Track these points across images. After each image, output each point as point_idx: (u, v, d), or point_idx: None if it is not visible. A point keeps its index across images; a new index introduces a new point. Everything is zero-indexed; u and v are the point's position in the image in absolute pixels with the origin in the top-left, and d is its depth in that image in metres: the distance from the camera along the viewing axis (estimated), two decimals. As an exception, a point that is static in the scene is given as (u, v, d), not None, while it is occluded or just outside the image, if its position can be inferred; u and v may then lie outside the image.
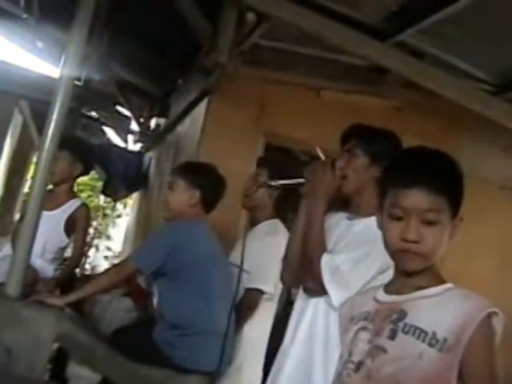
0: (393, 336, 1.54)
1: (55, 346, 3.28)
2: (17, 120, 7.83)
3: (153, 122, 7.71)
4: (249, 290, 3.27)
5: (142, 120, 7.80)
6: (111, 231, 11.04)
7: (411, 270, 1.58)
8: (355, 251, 2.22)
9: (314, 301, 2.31)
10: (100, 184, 8.48)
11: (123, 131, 8.38)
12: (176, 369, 2.93)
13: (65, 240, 4.03)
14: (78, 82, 5.57)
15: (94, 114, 8.06)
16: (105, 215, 10.83)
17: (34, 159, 6.12)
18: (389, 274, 1.72)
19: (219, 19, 3.76)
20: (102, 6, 4.07)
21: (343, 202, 2.42)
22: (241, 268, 3.15)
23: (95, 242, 10.47)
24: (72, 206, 4.04)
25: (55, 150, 2.86)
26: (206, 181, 3.23)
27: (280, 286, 3.43)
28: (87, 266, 9.88)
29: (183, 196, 3.20)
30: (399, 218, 1.56)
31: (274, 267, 3.29)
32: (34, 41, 6.76)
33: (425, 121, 4.78)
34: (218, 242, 3.25)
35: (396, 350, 1.52)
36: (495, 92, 4.13)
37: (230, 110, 4.57)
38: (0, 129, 7.52)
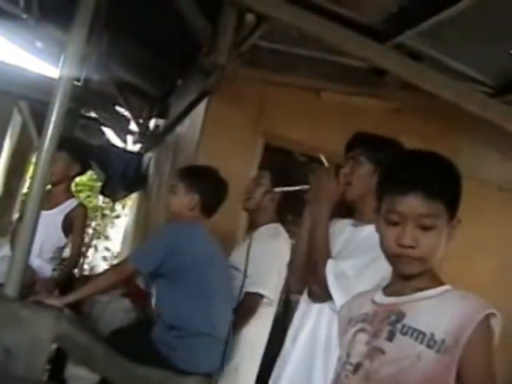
0: (391, 337, 1.54)
1: (54, 346, 3.28)
2: (16, 120, 7.82)
3: (152, 123, 7.71)
4: (248, 294, 3.25)
5: (141, 120, 7.80)
6: (110, 232, 11.03)
7: (408, 274, 1.59)
8: (360, 257, 2.23)
9: (317, 306, 2.31)
10: (99, 184, 8.48)
11: (122, 132, 8.38)
12: (173, 370, 2.93)
13: (63, 239, 4.05)
14: (77, 83, 5.58)
15: (93, 114, 8.06)
16: (103, 216, 10.82)
17: (33, 159, 6.11)
18: None
19: (219, 20, 3.77)
20: (101, 7, 4.08)
21: (347, 210, 2.43)
22: (245, 270, 3.16)
23: (94, 242, 10.45)
24: (69, 205, 4.07)
25: (54, 151, 2.86)
26: (206, 185, 3.23)
27: (280, 290, 3.43)
28: (86, 267, 9.87)
29: (183, 199, 3.20)
30: (395, 224, 1.56)
31: (275, 272, 3.30)
32: (33, 41, 6.76)
33: (423, 122, 4.79)
34: (218, 244, 3.25)
35: (394, 352, 1.52)
36: (493, 94, 4.14)
37: (229, 111, 4.57)
38: (-1, 129, 7.52)
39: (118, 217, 10.99)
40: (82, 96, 6.10)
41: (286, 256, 3.35)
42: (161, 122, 7.19)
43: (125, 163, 7.35)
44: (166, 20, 4.40)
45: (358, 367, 1.58)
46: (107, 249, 10.10)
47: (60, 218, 4.00)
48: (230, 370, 3.18)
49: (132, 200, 9.36)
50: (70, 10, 2.94)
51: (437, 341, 1.47)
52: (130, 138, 8.44)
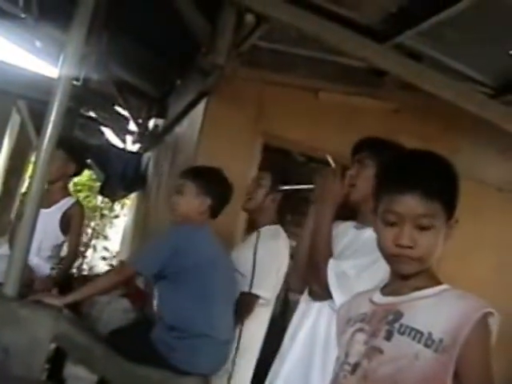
0: (389, 337, 1.54)
1: (52, 346, 3.27)
2: (15, 120, 7.83)
3: (151, 123, 7.71)
4: (245, 294, 3.25)
5: (140, 120, 7.80)
6: (109, 232, 11.02)
7: (406, 274, 1.59)
8: (362, 258, 2.24)
9: (317, 305, 2.32)
10: (98, 184, 8.47)
11: (121, 131, 8.38)
12: (173, 370, 2.93)
13: (61, 237, 4.06)
14: (76, 82, 5.58)
15: (92, 114, 8.06)
16: (102, 215, 10.82)
17: (32, 159, 6.11)
18: None
19: (218, 20, 3.76)
20: (100, 6, 4.07)
21: (350, 213, 2.44)
22: (253, 273, 3.16)
23: (93, 242, 10.45)
24: (66, 203, 4.09)
25: (53, 150, 2.86)
26: (217, 188, 3.20)
27: (277, 290, 3.43)
28: (85, 267, 9.87)
29: (193, 201, 3.16)
30: (393, 224, 1.57)
31: (273, 272, 3.30)
32: (32, 40, 6.76)
33: (422, 123, 4.79)
34: (222, 246, 3.25)
35: (392, 351, 1.52)
36: (493, 94, 4.14)
37: (228, 111, 4.57)
38: (-2, 128, 7.53)
39: (116, 217, 10.99)
40: (81, 96, 6.10)
41: (285, 257, 3.36)
42: (160, 121, 7.19)
43: (124, 163, 7.35)
44: (165, 20, 4.40)
45: (356, 367, 1.58)
46: (106, 249, 10.08)
47: (57, 216, 4.02)
48: (225, 371, 3.18)
49: (131, 200, 9.36)
50: (69, 10, 2.94)
51: (434, 340, 1.47)
52: (129, 138, 8.44)
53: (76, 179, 7.20)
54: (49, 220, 3.87)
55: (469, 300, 1.52)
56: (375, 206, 1.65)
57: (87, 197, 10.75)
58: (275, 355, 2.43)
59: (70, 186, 4.38)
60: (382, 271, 1.98)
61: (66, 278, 4.03)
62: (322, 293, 2.25)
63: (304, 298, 2.42)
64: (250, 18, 3.71)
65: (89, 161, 7.21)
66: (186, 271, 2.99)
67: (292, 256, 3.11)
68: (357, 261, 2.25)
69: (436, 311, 1.52)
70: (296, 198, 3.41)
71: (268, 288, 3.31)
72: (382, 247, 1.62)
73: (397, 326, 1.54)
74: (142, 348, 2.97)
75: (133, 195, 8.55)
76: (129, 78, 6.96)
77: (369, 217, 2.28)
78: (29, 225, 2.82)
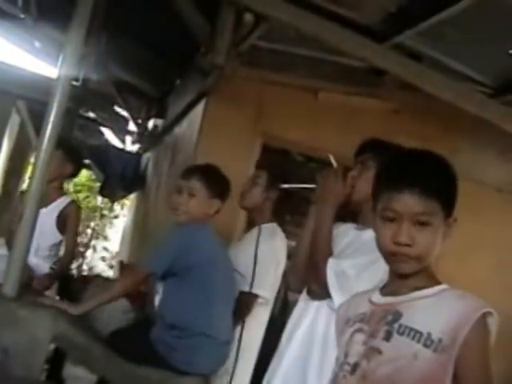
0: (388, 337, 1.54)
1: (52, 346, 3.27)
2: (14, 120, 7.82)
3: (150, 123, 7.71)
4: (244, 294, 3.24)
5: (139, 121, 7.80)
6: (108, 232, 11.03)
7: (404, 273, 1.59)
8: (362, 257, 2.24)
9: (315, 303, 2.32)
10: (97, 185, 8.48)
11: (121, 132, 8.39)
12: (173, 370, 2.93)
13: (58, 237, 4.09)
14: (75, 83, 5.58)
15: (91, 114, 8.07)
16: (102, 216, 10.83)
17: (32, 159, 6.11)
18: None
19: (217, 20, 3.76)
20: (99, 6, 4.07)
21: (351, 214, 2.45)
22: (254, 272, 3.15)
23: (92, 242, 10.46)
24: (63, 202, 4.12)
25: (52, 151, 2.86)
26: (226, 191, 3.22)
27: (276, 289, 3.43)
28: (84, 267, 9.87)
29: (203, 204, 3.15)
30: (392, 220, 1.57)
31: (271, 271, 3.30)
32: (31, 41, 6.76)
33: (422, 123, 4.79)
34: (223, 245, 3.25)
35: (391, 351, 1.52)
36: (492, 94, 4.14)
37: (227, 111, 4.57)
38: (-3, 129, 7.52)
39: (116, 217, 11.00)
40: (81, 96, 6.10)
41: (283, 255, 3.36)
42: (159, 122, 7.19)
43: (123, 163, 7.35)
44: (164, 20, 4.40)
45: (355, 367, 1.58)
46: (106, 249, 10.10)
47: (54, 216, 4.05)
48: (223, 371, 3.17)
49: (130, 200, 9.36)
50: (68, 10, 2.94)
51: (434, 340, 1.47)
52: (128, 138, 8.45)
53: (76, 179, 7.20)
54: (45, 219, 3.88)
55: (468, 300, 1.52)
56: (374, 205, 1.66)
57: (87, 197, 10.76)
58: (274, 355, 2.44)
59: (70, 186, 4.40)
60: (381, 271, 1.98)
61: (66, 278, 4.03)
62: (321, 292, 2.26)
63: (303, 297, 2.42)
64: (249, 18, 3.71)
65: (88, 161, 7.24)
66: (188, 270, 3.00)
67: (290, 255, 3.11)
68: (356, 260, 2.25)
69: (435, 311, 1.52)
70: (296, 198, 3.41)
71: (267, 287, 3.31)
72: (380, 246, 1.62)
73: (396, 326, 1.54)
74: (142, 348, 2.97)
75: (132, 195, 8.55)
76: (128, 78, 6.96)
77: (370, 218, 2.29)
78: (28, 225, 2.82)
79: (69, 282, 4.12)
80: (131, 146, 8.40)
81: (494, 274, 4.90)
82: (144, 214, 7.01)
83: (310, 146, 4.79)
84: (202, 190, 3.15)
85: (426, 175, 1.57)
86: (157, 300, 3.20)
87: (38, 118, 4.20)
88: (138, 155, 7.87)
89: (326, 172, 2.45)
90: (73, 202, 4.25)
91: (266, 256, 3.23)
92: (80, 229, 6.89)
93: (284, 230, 3.47)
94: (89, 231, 10.55)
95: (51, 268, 4.00)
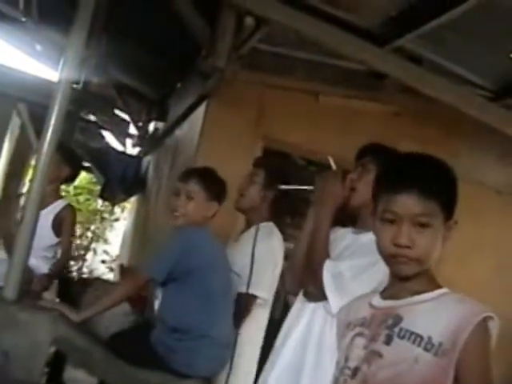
0: (388, 341, 1.54)
1: (52, 349, 3.27)
2: (15, 123, 7.82)
3: (151, 126, 7.71)
4: (242, 295, 3.22)
5: (140, 124, 7.80)
6: (109, 235, 11.02)
7: (404, 275, 1.59)
8: (359, 259, 2.25)
9: (312, 305, 2.33)
10: (98, 187, 8.48)
11: (121, 135, 8.38)
12: (173, 373, 2.93)
13: (54, 239, 4.11)
14: (76, 86, 5.58)
15: (92, 117, 8.06)
16: (103, 219, 10.81)
17: (32, 162, 6.11)
18: None
19: (218, 23, 3.76)
20: (100, 10, 4.08)
21: (349, 218, 2.45)
22: (250, 273, 3.14)
23: (93, 245, 10.45)
24: (59, 205, 4.15)
25: (53, 154, 2.86)
26: (223, 193, 3.22)
27: (274, 290, 3.41)
28: (85, 270, 9.87)
29: (201, 206, 3.15)
30: (391, 222, 1.58)
31: (268, 272, 3.28)
32: (32, 44, 6.76)
33: (422, 126, 4.79)
34: (222, 247, 3.24)
35: (392, 355, 1.52)
36: (493, 98, 4.14)
37: (228, 114, 4.57)
38: (-2, 131, 7.53)
39: (117, 220, 10.99)
40: (81, 99, 6.09)
41: (280, 255, 3.35)
42: (160, 125, 7.19)
43: (124, 166, 7.35)
44: (165, 23, 4.40)
45: (356, 371, 1.58)
46: (106, 252, 10.09)
47: (50, 218, 4.06)
48: (224, 375, 3.17)
49: (131, 203, 9.36)
50: (69, 13, 2.93)
51: (434, 344, 1.47)
52: (129, 141, 8.45)
53: (76, 182, 7.19)
54: (41, 222, 3.88)
55: (467, 304, 1.53)
56: (374, 208, 1.66)
57: (87, 200, 10.75)
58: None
59: (71, 189, 4.41)
60: (380, 273, 1.99)
61: (66, 281, 4.03)
62: (318, 293, 2.26)
63: (299, 299, 2.43)
64: (249, 21, 3.72)
65: (88, 164, 7.24)
66: (188, 273, 3.00)
67: (287, 257, 3.11)
68: (354, 262, 2.26)
69: (435, 315, 1.52)
70: (296, 200, 3.41)
71: (265, 288, 3.28)
72: (380, 248, 1.62)
73: (396, 330, 1.54)
74: (143, 351, 2.97)
75: (133, 198, 8.55)
76: (129, 81, 6.96)
77: (368, 222, 2.30)
78: (28, 228, 2.82)
79: (69, 285, 4.13)
80: (132, 149, 8.40)
81: (494, 275, 4.91)
82: (144, 217, 7.01)
83: (310, 148, 4.79)
84: (200, 192, 3.15)
85: (424, 176, 1.58)
86: (156, 305, 3.19)
87: (38, 121, 4.21)
88: (138, 158, 7.87)
89: (325, 174, 2.46)
90: (69, 205, 4.29)
91: (263, 256, 3.21)
92: (76, 231, 6.90)
93: (284, 233, 3.46)
94: (89, 234, 10.54)
95: (50, 269, 4.01)
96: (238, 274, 3.23)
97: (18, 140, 7.97)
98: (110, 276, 9.07)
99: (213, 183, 3.20)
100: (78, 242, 10.06)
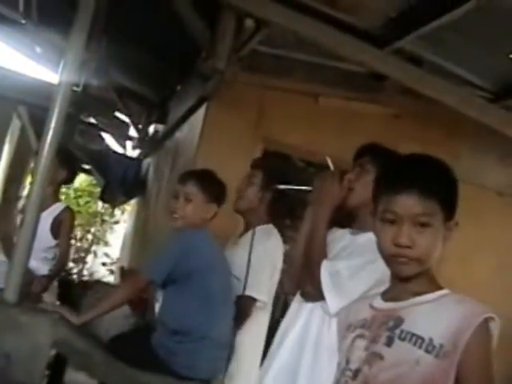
0: (389, 343, 1.54)
1: (53, 352, 3.27)
2: (15, 125, 7.83)
3: (151, 128, 7.71)
4: (241, 298, 3.21)
5: (140, 126, 7.81)
6: (109, 237, 11.02)
7: (405, 275, 1.59)
8: (357, 259, 2.25)
9: (309, 306, 2.33)
10: (98, 190, 8.48)
11: (122, 137, 8.39)
12: (174, 375, 2.93)
13: (52, 241, 4.12)
14: (76, 88, 5.58)
15: (92, 119, 8.07)
16: (103, 221, 10.82)
17: (32, 164, 6.12)
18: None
19: (218, 25, 3.77)
20: (100, 12, 4.08)
21: (347, 218, 2.45)
22: (246, 275, 3.14)
23: (93, 248, 10.45)
24: (57, 208, 4.17)
25: (53, 156, 2.86)
26: (222, 195, 3.22)
27: (273, 292, 3.41)
28: (85, 272, 9.87)
29: (200, 208, 3.15)
30: (392, 222, 1.57)
31: (267, 274, 3.27)
32: (32, 46, 6.77)
33: (423, 128, 4.79)
34: (221, 249, 3.24)
35: (393, 357, 1.52)
36: (493, 99, 4.14)
37: (228, 116, 4.58)
38: (-2, 134, 7.54)
39: (117, 222, 10.99)
40: (81, 101, 6.10)
41: (279, 257, 3.33)
42: (160, 127, 7.19)
43: (124, 169, 7.36)
44: (165, 25, 4.40)
45: (357, 373, 1.58)
46: (106, 254, 10.08)
47: (48, 221, 4.07)
48: (227, 374, 3.16)
49: (131, 205, 9.36)
50: (69, 15, 2.94)
51: (435, 345, 1.47)
52: (129, 144, 8.45)
53: (77, 185, 7.21)
54: (41, 225, 3.89)
55: (468, 305, 1.52)
56: (374, 208, 1.66)
57: (87, 202, 10.76)
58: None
59: (71, 191, 4.41)
60: (378, 272, 2.00)
61: (66, 284, 4.04)
62: (315, 293, 2.26)
63: (297, 299, 2.42)
64: (249, 23, 3.72)
65: (89, 166, 7.24)
66: (188, 275, 2.99)
67: (285, 258, 3.11)
68: (351, 261, 2.26)
69: (436, 317, 1.52)
70: (296, 202, 3.40)
71: (263, 290, 3.26)
72: (381, 248, 1.62)
73: (397, 331, 1.54)
74: (143, 353, 2.96)
75: (133, 201, 8.55)
76: (129, 83, 6.97)
77: (366, 222, 2.30)
78: (29, 231, 2.82)
79: (69, 288, 4.13)
80: (132, 152, 8.40)
81: (495, 276, 4.91)
82: (145, 219, 7.01)
83: (310, 150, 4.79)
84: (199, 194, 3.15)
85: (424, 176, 1.58)
86: (157, 307, 3.19)
87: (38, 124, 4.22)
88: (138, 160, 7.88)
89: (323, 174, 2.46)
90: (67, 208, 4.30)
91: (261, 258, 3.20)
92: (74, 234, 6.91)
93: (284, 235, 3.45)
94: (89, 236, 10.55)
95: (50, 270, 4.04)
96: (237, 277, 3.23)
97: (19, 142, 7.98)
98: (111, 279, 9.07)
99: (211, 185, 3.20)
100: (79, 244, 10.08)
